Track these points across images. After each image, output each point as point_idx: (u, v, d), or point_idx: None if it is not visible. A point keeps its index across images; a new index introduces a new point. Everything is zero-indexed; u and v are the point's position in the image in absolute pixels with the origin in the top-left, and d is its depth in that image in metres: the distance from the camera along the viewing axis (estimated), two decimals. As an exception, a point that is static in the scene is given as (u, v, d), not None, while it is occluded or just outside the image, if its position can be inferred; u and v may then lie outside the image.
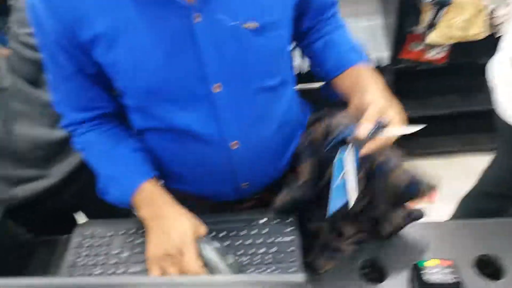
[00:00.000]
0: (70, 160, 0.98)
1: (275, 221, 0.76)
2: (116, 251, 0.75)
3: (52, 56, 0.65)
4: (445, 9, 1.57)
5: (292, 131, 0.81)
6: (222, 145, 0.70)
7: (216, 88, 0.65)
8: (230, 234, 0.75)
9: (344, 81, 0.76)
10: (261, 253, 0.72)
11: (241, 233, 0.75)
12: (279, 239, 0.73)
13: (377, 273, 0.75)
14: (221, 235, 0.75)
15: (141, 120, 0.73)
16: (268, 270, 0.70)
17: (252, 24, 0.62)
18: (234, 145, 0.70)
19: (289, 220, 0.76)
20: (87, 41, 0.60)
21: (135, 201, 0.70)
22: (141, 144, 0.76)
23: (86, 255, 0.75)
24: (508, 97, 1.04)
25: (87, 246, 0.76)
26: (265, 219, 0.76)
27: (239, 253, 0.72)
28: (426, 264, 0.70)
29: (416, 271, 0.70)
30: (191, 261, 0.62)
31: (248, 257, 0.72)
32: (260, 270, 0.69)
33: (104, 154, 0.74)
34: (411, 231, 0.79)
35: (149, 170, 0.73)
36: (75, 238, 0.78)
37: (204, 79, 0.64)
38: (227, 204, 0.82)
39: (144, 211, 0.70)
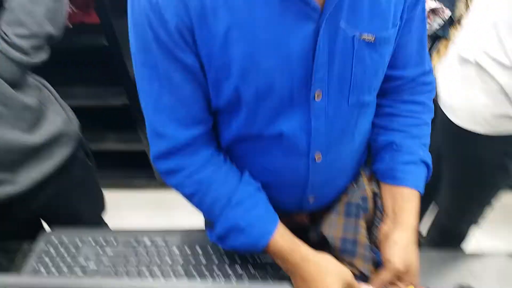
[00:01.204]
0: (42, 168, 0.93)
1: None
2: (82, 263, 0.72)
3: (156, 63, 0.57)
4: (439, 43, 1.58)
5: (364, 152, 0.79)
6: (306, 155, 0.67)
7: (317, 96, 0.61)
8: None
9: (385, 194, 0.75)
10: None
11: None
12: None
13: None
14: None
15: (237, 127, 0.65)
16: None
17: (369, 37, 0.59)
18: (317, 157, 0.67)
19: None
20: (221, 33, 0.53)
21: (268, 252, 0.66)
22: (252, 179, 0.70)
23: (51, 264, 0.72)
24: (448, 91, 1.05)
25: (51, 255, 0.73)
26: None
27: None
28: None
29: None
30: None
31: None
32: None
33: (225, 199, 0.66)
34: None
35: (274, 213, 0.68)
36: (39, 246, 0.75)
37: (308, 85, 0.60)
38: (283, 214, 0.76)
39: (281, 264, 0.67)
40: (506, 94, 0.92)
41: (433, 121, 0.77)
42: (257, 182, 0.69)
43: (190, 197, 0.67)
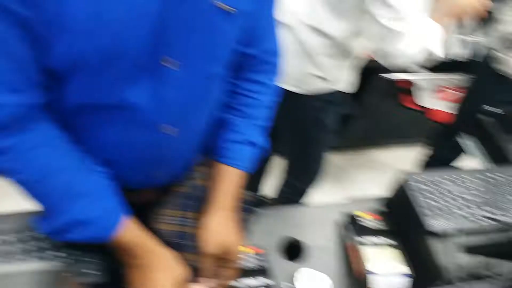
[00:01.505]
0: None
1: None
2: None
3: None
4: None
5: (212, 130, 0.77)
6: (155, 129, 0.63)
7: (167, 63, 0.57)
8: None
9: (212, 174, 0.75)
10: None
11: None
12: None
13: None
14: None
15: (76, 95, 0.57)
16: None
17: (228, 7, 0.58)
18: (168, 129, 0.64)
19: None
20: None
21: (113, 244, 0.62)
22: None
23: None
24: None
25: None
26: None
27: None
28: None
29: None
30: None
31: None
32: None
33: (65, 188, 0.59)
34: None
35: (123, 205, 0.63)
36: None
37: (158, 49, 0.55)
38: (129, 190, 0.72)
39: (126, 256, 0.63)
40: (309, 55, 1.08)
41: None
42: (101, 167, 0.64)
43: (22, 183, 0.58)
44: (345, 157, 2.23)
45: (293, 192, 1.51)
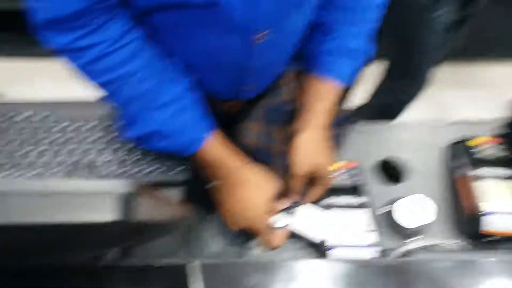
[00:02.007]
0: None
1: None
2: None
3: None
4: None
5: (307, 37, 0.67)
6: (246, 32, 0.55)
7: None
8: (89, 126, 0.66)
9: (305, 88, 0.67)
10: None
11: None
12: None
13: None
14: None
15: None
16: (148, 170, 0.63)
17: None
18: (259, 34, 0.55)
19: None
20: None
21: (197, 159, 0.59)
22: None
23: None
24: None
25: None
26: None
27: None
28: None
29: None
30: (268, 239, 0.60)
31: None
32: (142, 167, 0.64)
33: (147, 97, 0.55)
34: None
35: (208, 119, 0.59)
36: None
37: None
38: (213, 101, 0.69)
39: (212, 172, 0.60)
40: None
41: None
42: (185, 76, 0.59)
43: (101, 86, 0.55)
44: (442, 72, 1.95)
45: (391, 104, 1.36)
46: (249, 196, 0.59)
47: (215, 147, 0.58)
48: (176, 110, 0.56)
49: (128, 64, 0.53)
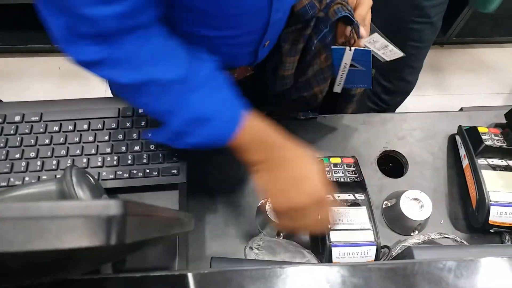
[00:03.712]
0: None
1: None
2: None
3: None
4: None
5: None
6: None
7: None
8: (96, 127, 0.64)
9: None
10: (136, 151, 0.62)
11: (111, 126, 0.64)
12: None
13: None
14: (84, 127, 0.63)
15: None
16: (141, 174, 0.61)
17: None
18: None
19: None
20: None
21: (236, 143, 0.54)
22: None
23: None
24: None
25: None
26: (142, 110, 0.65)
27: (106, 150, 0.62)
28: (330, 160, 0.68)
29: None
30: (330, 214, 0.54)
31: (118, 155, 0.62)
32: (134, 172, 0.61)
33: (180, 83, 0.51)
34: (312, 125, 0.78)
35: (240, 97, 0.55)
36: None
37: None
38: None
39: (253, 154, 0.54)
40: None
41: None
42: (212, 55, 0.55)
43: (129, 86, 0.51)
44: (443, 54, 1.93)
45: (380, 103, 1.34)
46: (302, 170, 0.53)
47: (256, 125, 0.54)
48: (210, 91, 0.52)
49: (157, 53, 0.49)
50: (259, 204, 0.68)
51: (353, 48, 0.62)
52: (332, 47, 0.63)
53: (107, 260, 0.34)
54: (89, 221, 0.21)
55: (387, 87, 1.29)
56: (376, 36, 0.63)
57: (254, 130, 0.54)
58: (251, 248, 0.64)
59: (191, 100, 0.51)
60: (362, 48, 0.62)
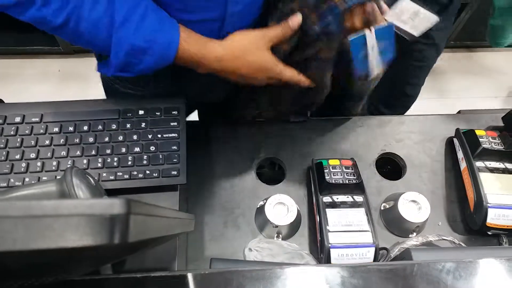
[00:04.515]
0: None
1: (156, 114, 0.66)
2: None
3: None
4: None
5: None
6: None
7: None
8: (96, 129, 0.64)
9: None
10: (136, 153, 0.63)
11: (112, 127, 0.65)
12: (159, 135, 0.64)
13: (276, 171, 0.75)
14: (84, 128, 0.64)
15: None
16: (141, 175, 0.61)
17: None
18: None
19: (174, 113, 0.66)
20: None
21: (182, 58, 0.57)
22: None
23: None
24: None
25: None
26: (142, 112, 0.66)
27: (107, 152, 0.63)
28: (329, 163, 0.69)
29: (316, 170, 0.69)
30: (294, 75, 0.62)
31: (114, 157, 0.62)
32: (135, 173, 0.62)
33: (107, 19, 0.52)
34: (311, 126, 0.78)
35: (170, 17, 0.57)
36: None
37: None
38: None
39: (204, 63, 0.59)
40: None
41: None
42: None
43: (62, 28, 0.52)
44: (442, 58, 1.93)
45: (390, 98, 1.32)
46: (251, 56, 0.59)
47: (193, 38, 0.57)
48: (139, 20, 0.53)
49: None
50: (258, 206, 0.69)
51: (373, 29, 0.58)
52: (350, 38, 0.58)
53: (109, 260, 0.34)
54: (92, 220, 0.21)
55: (387, 101, 1.29)
56: (403, 3, 0.57)
57: (193, 43, 0.57)
58: (250, 249, 0.64)
59: (124, 33, 0.53)
60: (383, 26, 0.58)
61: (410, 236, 0.67)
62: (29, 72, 1.84)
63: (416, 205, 0.65)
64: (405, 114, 1.30)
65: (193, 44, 0.57)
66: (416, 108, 1.31)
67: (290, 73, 0.63)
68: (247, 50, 0.59)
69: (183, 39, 0.56)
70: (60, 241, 0.21)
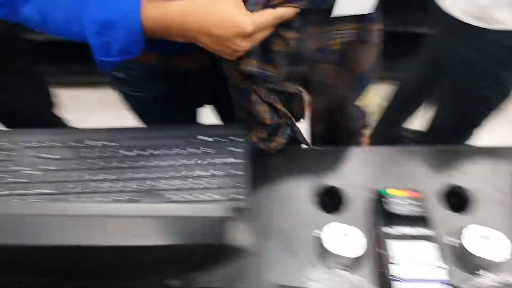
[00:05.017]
0: None
1: (219, 139, 0.68)
2: (25, 168, 0.66)
3: None
4: None
5: None
6: None
7: None
8: (158, 153, 0.67)
9: None
10: (196, 176, 0.65)
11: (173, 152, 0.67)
12: (223, 160, 0.66)
13: (335, 200, 0.73)
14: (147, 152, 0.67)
15: None
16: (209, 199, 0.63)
17: None
18: None
19: (239, 139, 0.68)
20: None
21: (150, 33, 0.56)
22: None
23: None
24: None
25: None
26: (206, 137, 0.68)
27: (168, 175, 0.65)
28: (391, 193, 0.67)
29: (380, 200, 0.67)
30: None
31: (180, 181, 0.65)
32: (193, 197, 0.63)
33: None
34: (372, 154, 0.78)
35: None
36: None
37: None
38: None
39: (177, 32, 0.56)
40: None
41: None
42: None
43: (37, 19, 0.56)
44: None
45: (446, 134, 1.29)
46: (217, 4, 0.54)
47: (155, 1, 0.55)
48: None
49: None
50: (318, 234, 0.68)
51: None
52: None
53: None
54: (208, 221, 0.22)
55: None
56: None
57: (155, 16, 0.55)
58: (310, 279, 0.63)
59: (90, 10, 0.54)
60: None
61: (476, 273, 0.63)
62: (90, 101, 1.97)
63: (490, 242, 0.62)
64: (474, 145, 1.24)
65: (157, 7, 0.55)
66: (482, 138, 1.27)
67: (264, 17, 0.55)
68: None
69: (145, 6, 0.54)
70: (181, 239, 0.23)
